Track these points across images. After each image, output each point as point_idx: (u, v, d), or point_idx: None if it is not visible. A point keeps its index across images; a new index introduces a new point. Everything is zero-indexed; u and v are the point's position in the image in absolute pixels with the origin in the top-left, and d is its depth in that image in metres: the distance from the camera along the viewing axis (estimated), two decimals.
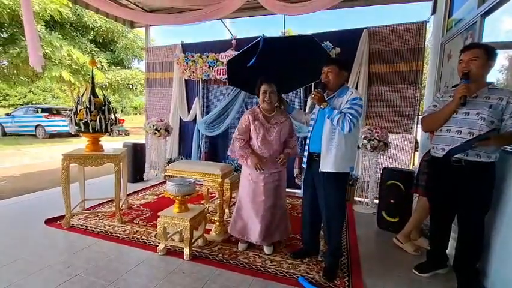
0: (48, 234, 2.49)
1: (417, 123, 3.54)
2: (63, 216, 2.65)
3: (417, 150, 3.57)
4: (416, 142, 3.63)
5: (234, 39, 4.30)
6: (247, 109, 3.88)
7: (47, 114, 11.45)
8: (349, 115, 1.77)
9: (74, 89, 13.88)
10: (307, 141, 2.07)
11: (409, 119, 3.61)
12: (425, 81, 3.88)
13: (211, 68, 4.32)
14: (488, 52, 1.65)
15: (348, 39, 3.68)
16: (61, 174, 2.55)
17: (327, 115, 1.87)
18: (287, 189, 2.42)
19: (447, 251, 2.03)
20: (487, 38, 2.30)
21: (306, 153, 2.08)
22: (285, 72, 2.41)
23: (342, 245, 2.39)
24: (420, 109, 3.65)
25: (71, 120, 2.59)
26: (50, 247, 2.27)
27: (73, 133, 2.75)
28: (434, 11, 3.48)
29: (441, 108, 1.81)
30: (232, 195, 3.00)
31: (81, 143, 4.13)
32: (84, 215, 2.89)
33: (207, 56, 4.33)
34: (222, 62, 4.24)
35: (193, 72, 4.45)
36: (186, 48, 4.62)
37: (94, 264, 2.03)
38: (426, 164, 2.28)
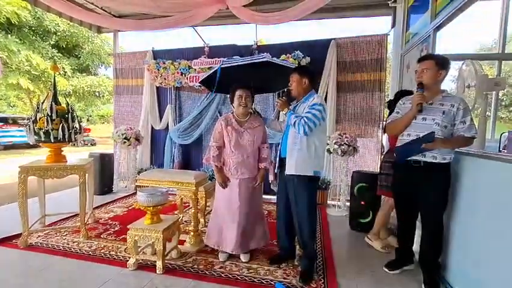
0: (2, 256, 2.24)
1: (382, 129, 3.77)
2: (20, 235, 2.41)
3: (383, 154, 3.79)
4: (382, 146, 3.86)
5: (207, 46, 4.30)
6: (220, 116, 3.87)
7: (2, 124, 10.56)
8: (304, 118, 1.87)
9: (34, 96, 12.90)
10: (280, 146, 2.13)
11: (375, 124, 3.84)
12: (388, 89, 4.16)
13: (183, 75, 4.26)
14: (438, 63, 1.81)
15: (317, 49, 3.86)
16: (18, 188, 2.33)
17: (287, 120, 1.98)
18: (262, 196, 2.43)
19: (413, 247, 2.16)
20: (439, 51, 2.54)
21: (277, 159, 2.15)
22: (256, 82, 2.43)
23: (317, 247, 2.45)
24: (384, 115, 3.90)
25: (29, 129, 2.40)
26: (4, 269, 2.05)
27: (31, 143, 2.54)
28: (393, 25, 3.78)
29: (402, 115, 1.96)
30: (207, 204, 2.95)
31: (41, 155, 3.80)
32: (44, 232, 2.66)
33: (179, 63, 4.27)
34: (195, 69, 4.21)
35: (165, 79, 4.36)
36: (157, 54, 4.53)
37: (56, 285, 1.86)
38: (386, 165, 2.44)
